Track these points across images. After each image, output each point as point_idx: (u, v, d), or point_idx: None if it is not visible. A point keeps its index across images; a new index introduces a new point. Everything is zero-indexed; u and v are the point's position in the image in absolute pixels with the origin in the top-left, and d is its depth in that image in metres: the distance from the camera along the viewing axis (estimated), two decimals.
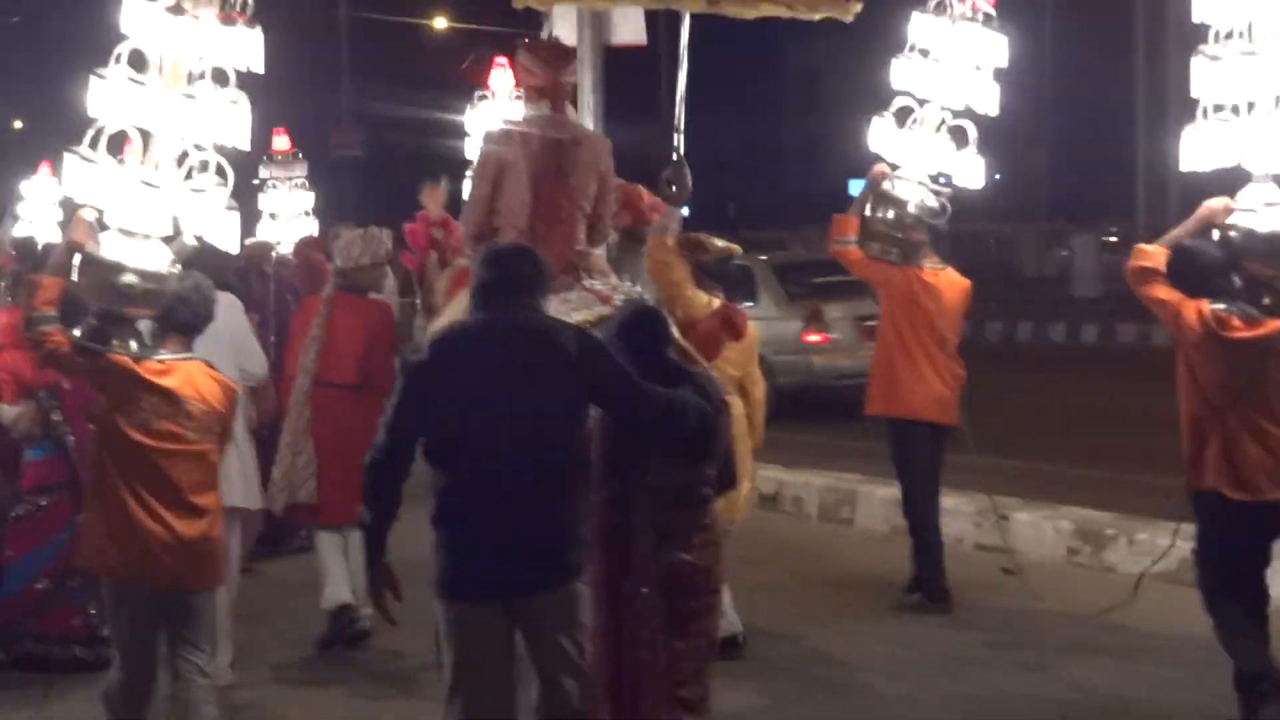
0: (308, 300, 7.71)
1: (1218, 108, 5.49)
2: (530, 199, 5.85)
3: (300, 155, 11.19)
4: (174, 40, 4.88)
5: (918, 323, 7.18)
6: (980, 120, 7.42)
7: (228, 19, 4.97)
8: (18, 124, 37.08)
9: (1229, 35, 5.45)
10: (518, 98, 8.91)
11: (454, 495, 4.24)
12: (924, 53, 7.29)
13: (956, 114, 7.37)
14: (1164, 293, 5.41)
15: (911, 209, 7.27)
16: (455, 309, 5.93)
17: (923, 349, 7.16)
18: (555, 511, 4.24)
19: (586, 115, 6.33)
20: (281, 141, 11.13)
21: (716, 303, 6.37)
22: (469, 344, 4.32)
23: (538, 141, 5.93)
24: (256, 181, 10.81)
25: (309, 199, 11.07)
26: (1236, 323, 5.24)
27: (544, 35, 6.28)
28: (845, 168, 19.63)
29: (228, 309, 6.31)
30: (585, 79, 6.35)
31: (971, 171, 7.37)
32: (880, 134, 7.31)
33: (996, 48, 7.34)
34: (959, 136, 7.36)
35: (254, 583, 7.45)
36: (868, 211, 7.37)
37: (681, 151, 6.54)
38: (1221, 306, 5.27)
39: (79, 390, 5.92)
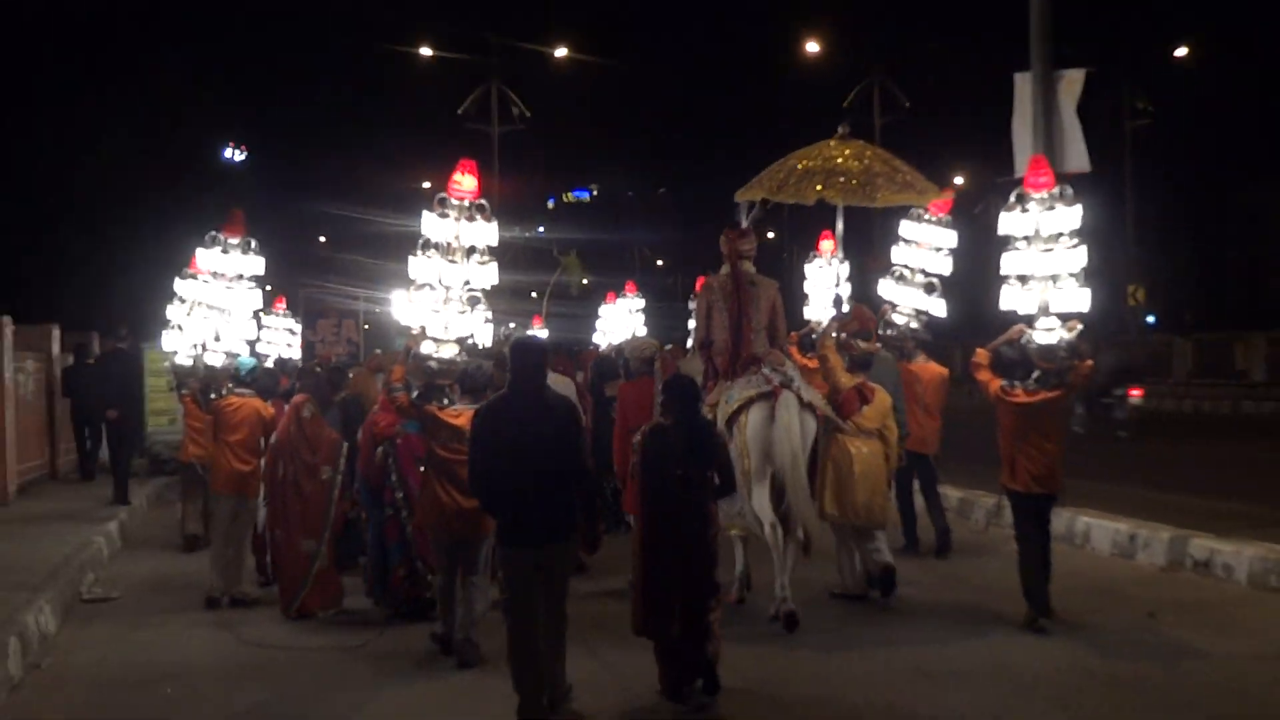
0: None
1: None
2: (728, 322, 9.72)
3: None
4: (445, 231, 9.00)
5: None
6: None
7: (471, 217, 9.01)
8: None
9: None
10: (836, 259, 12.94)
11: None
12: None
13: None
14: (984, 375, 9.42)
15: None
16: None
17: None
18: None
19: None
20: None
21: (855, 380, 9.97)
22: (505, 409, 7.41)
23: (729, 288, 9.81)
24: None
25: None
26: (1018, 393, 9.19)
27: (741, 223, 10.13)
28: None
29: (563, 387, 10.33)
30: None
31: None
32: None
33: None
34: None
35: None
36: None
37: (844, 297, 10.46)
38: (1009, 384, 9.25)
39: (409, 444, 9.62)
